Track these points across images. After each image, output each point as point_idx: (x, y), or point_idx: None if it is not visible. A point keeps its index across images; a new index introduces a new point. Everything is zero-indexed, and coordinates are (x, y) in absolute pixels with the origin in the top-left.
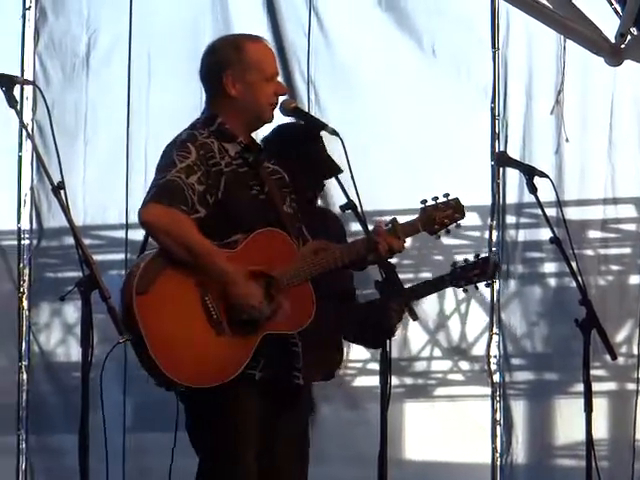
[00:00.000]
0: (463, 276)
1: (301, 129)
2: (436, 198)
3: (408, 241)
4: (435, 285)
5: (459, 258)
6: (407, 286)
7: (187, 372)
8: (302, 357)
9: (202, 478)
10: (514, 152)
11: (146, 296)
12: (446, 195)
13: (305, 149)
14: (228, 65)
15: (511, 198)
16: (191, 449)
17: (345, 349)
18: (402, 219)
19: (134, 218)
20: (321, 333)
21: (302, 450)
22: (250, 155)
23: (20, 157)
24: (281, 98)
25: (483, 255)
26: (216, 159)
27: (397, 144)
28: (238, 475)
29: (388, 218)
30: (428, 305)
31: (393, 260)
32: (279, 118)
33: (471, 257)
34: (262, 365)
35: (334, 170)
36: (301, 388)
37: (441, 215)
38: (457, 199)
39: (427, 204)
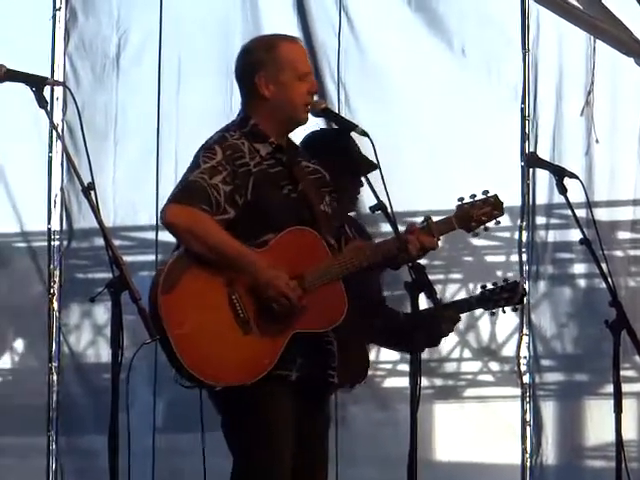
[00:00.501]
0: (492, 299)
1: (330, 133)
2: (474, 195)
3: (441, 238)
4: (468, 306)
5: (489, 259)
6: (450, 301)
7: (213, 371)
8: (337, 356)
9: (238, 478)
10: (544, 153)
11: (171, 295)
12: (485, 192)
13: (338, 151)
14: (261, 66)
15: (541, 199)
16: (222, 449)
17: (374, 351)
18: (433, 219)
19: None
20: (353, 336)
21: (326, 452)
22: (283, 155)
23: (50, 158)
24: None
25: (512, 280)
26: (245, 159)
27: (427, 145)
28: (274, 475)
29: (419, 219)
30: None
31: (423, 261)
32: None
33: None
34: (299, 365)
35: (369, 166)
36: (335, 387)
37: (478, 212)
38: (496, 196)
39: (464, 202)
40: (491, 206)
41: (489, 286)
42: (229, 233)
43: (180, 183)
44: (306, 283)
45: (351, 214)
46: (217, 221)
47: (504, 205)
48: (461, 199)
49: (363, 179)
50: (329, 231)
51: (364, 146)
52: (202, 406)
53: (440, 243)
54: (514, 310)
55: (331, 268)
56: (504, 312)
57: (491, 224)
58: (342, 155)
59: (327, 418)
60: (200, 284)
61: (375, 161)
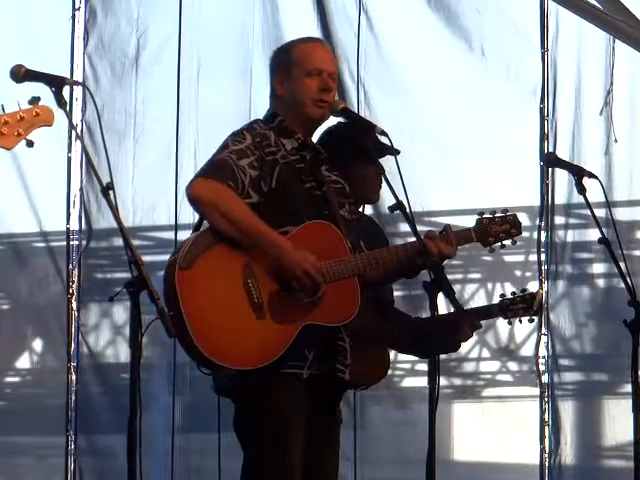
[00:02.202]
0: (510, 308)
1: (349, 127)
2: (494, 212)
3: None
4: (486, 314)
5: (508, 259)
6: (467, 309)
7: (223, 351)
8: (350, 354)
9: (247, 475)
10: (563, 153)
11: (189, 271)
12: (504, 210)
13: (357, 135)
14: (278, 67)
15: (560, 199)
16: (238, 449)
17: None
18: (451, 219)
19: (183, 219)
20: (371, 336)
21: (337, 451)
22: (307, 152)
23: (69, 158)
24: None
25: (530, 291)
26: (272, 148)
27: (446, 144)
28: (285, 472)
29: (437, 219)
30: (477, 306)
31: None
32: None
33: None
34: (310, 361)
35: (390, 150)
36: (347, 384)
37: (497, 229)
38: (515, 215)
39: (484, 216)
40: (509, 224)
41: (508, 295)
42: None
43: (208, 160)
44: (326, 276)
45: (370, 211)
46: None
47: (523, 205)
48: (481, 213)
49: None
50: (348, 235)
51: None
52: (220, 408)
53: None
54: (530, 321)
55: (350, 264)
56: (520, 322)
57: (508, 242)
58: (362, 143)
59: (339, 417)
60: (218, 265)
61: (395, 161)
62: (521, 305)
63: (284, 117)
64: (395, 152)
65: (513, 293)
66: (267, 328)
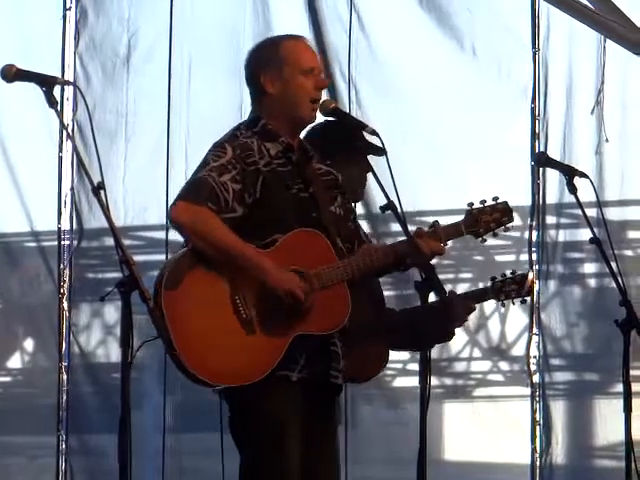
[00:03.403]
0: (502, 290)
1: (335, 124)
2: (484, 201)
3: (449, 242)
4: (479, 297)
5: (499, 259)
6: (460, 293)
7: (213, 370)
8: (342, 358)
9: (246, 477)
10: (554, 152)
11: (174, 292)
12: (495, 198)
13: (344, 132)
14: (265, 65)
15: (551, 198)
16: (234, 450)
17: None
18: (443, 219)
19: None
20: (365, 334)
21: (336, 451)
22: (293, 154)
23: (60, 158)
24: (324, 96)
25: (520, 272)
26: (254, 158)
27: (437, 144)
28: (282, 474)
29: (428, 219)
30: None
31: (433, 260)
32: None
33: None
34: (301, 365)
35: (376, 149)
36: (340, 388)
37: (487, 218)
38: (505, 202)
39: (473, 207)
40: (500, 212)
41: (499, 278)
42: (237, 232)
43: (188, 181)
44: (312, 284)
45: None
46: (225, 219)
47: (514, 205)
48: (470, 204)
49: (370, 180)
50: (340, 233)
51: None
52: (222, 408)
53: (451, 242)
54: (523, 302)
55: (337, 270)
56: (513, 304)
57: (499, 230)
58: (348, 140)
59: (335, 418)
60: (204, 283)
61: (386, 160)
62: (513, 286)
63: (269, 120)
64: (380, 152)
65: (503, 275)
66: (258, 343)
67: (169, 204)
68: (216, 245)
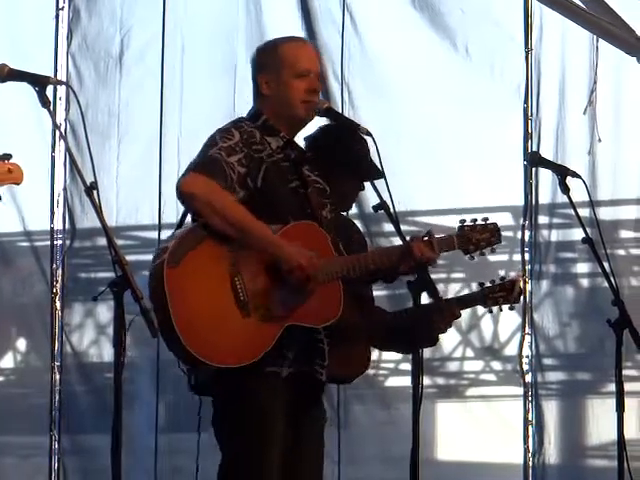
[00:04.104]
0: (490, 296)
1: (346, 129)
2: (474, 220)
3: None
4: (467, 302)
5: (492, 259)
6: (448, 298)
7: (206, 348)
8: (329, 355)
9: (224, 476)
10: (547, 152)
11: (176, 269)
12: (485, 219)
13: (348, 148)
14: (263, 67)
15: (544, 198)
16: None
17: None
18: (436, 219)
19: (167, 219)
20: (351, 334)
21: (320, 449)
22: (292, 152)
23: (53, 157)
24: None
25: (509, 279)
26: (258, 147)
27: (430, 144)
28: (261, 473)
29: (421, 219)
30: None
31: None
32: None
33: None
34: (289, 361)
35: (375, 174)
36: (323, 385)
37: (477, 237)
38: (495, 224)
39: (465, 224)
40: (489, 232)
41: (487, 284)
42: None
43: (198, 157)
44: (312, 276)
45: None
46: None
47: (507, 205)
48: (462, 221)
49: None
50: (330, 235)
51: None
52: (200, 408)
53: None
54: (511, 309)
55: (337, 265)
56: (501, 310)
57: (487, 250)
58: (350, 154)
59: (323, 416)
60: (205, 263)
61: (378, 160)
62: (500, 293)
63: (269, 116)
64: (379, 176)
65: (492, 281)
66: (252, 327)
67: (162, 204)
68: (230, 218)
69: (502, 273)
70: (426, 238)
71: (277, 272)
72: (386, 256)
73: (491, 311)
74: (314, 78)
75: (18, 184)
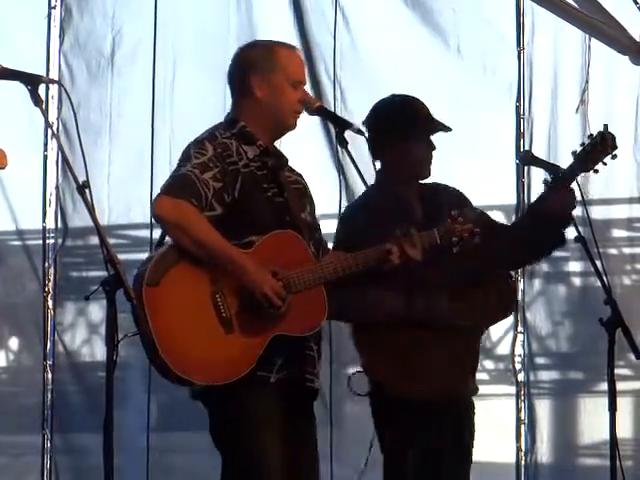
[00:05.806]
0: (589, 158)
1: (396, 104)
2: (457, 212)
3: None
4: (571, 173)
5: None
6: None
7: (192, 368)
8: (318, 361)
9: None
10: (539, 151)
11: (156, 288)
12: (464, 210)
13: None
14: (257, 67)
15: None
16: (213, 448)
17: None
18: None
19: None
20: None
21: (315, 453)
22: (269, 159)
23: (45, 156)
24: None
25: (596, 133)
26: (233, 158)
27: None
28: (263, 474)
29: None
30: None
31: None
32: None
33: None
34: (278, 367)
35: (443, 127)
36: (316, 392)
37: (460, 228)
38: (477, 213)
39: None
40: (472, 223)
41: (580, 149)
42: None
43: (171, 176)
44: (290, 286)
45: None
46: (205, 217)
47: (499, 203)
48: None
49: (356, 180)
50: (311, 239)
51: (359, 144)
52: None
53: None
54: (613, 157)
55: (315, 273)
56: (605, 164)
57: (470, 240)
58: (411, 119)
59: (314, 422)
60: (185, 280)
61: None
62: (599, 148)
63: (247, 122)
64: (447, 129)
65: (582, 144)
66: (236, 342)
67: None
68: (199, 241)
69: None
70: (408, 235)
71: None
72: (361, 260)
73: (596, 171)
74: (303, 89)
75: (2, 168)
